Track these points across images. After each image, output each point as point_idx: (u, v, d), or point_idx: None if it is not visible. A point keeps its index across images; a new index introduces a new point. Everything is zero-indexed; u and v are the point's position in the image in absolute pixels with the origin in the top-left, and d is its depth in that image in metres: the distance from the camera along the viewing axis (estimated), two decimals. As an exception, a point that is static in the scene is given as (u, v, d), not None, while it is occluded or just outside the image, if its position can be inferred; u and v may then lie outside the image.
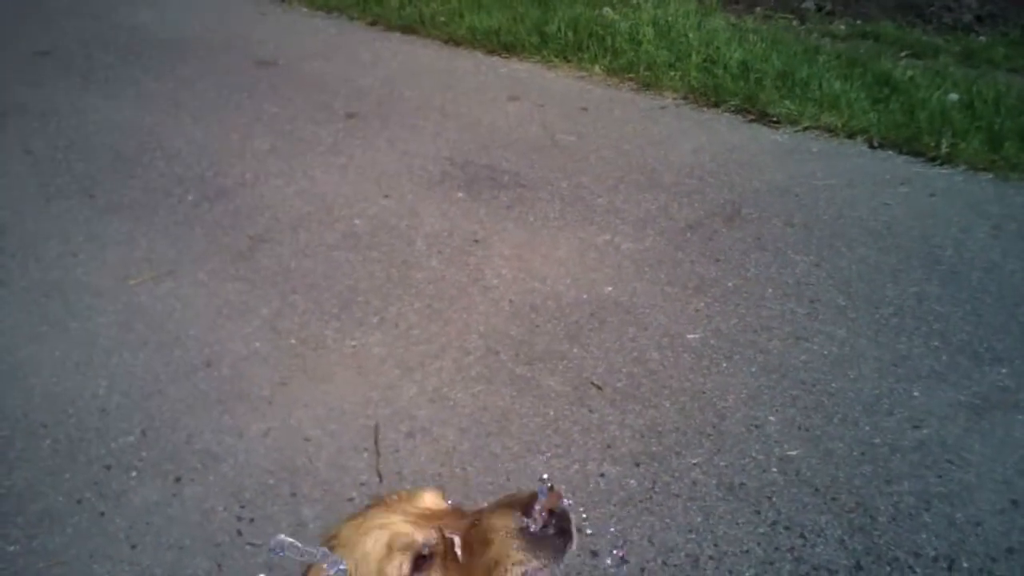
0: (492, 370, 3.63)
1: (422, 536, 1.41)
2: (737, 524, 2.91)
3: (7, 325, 4.07)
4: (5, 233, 4.82)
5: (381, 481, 3.15)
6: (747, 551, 2.82)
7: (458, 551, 1.39)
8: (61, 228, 4.87)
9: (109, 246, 4.66)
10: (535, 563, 1.33)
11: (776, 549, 2.81)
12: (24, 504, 3.19)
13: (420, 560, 1.41)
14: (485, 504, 1.49)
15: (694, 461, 3.16)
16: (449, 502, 1.56)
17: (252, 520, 3.05)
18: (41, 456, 3.38)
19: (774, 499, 2.99)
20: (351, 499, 3.09)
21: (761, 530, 2.89)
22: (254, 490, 3.16)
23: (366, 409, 3.48)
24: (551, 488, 1.36)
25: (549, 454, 3.22)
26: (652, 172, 5.09)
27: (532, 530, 1.34)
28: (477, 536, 1.37)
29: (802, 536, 2.85)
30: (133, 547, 2.99)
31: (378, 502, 1.56)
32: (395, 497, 1.55)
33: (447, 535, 1.40)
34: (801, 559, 2.78)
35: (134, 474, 3.26)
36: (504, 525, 1.35)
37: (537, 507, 1.33)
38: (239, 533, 3.01)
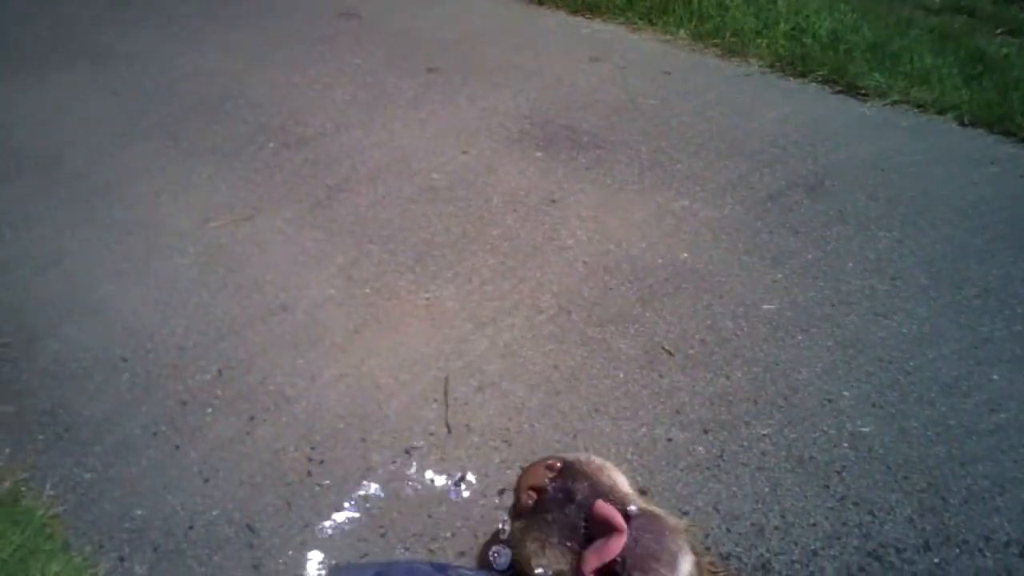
0: (564, 329, 3.63)
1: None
2: (805, 497, 2.88)
3: (91, 261, 4.16)
4: (92, 172, 4.92)
5: (449, 432, 3.18)
6: (814, 524, 2.79)
7: None
8: (145, 169, 4.95)
9: (191, 189, 4.73)
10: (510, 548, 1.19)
11: (844, 524, 2.78)
12: (101, 434, 3.27)
13: None
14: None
15: (764, 432, 3.13)
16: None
17: (322, 462, 3.10)
18: (119, 389, 3.46)
19: (844, 474, 2.96)
20: (419, 448, 3.13)
21: (829, 504, 2.86)
22: (325, 433, 3.21)
23: (437, 361, 3.51)
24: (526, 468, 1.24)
25: (617, 416, 3.21)
26: (734, 140, 5.02)
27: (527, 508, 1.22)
28: None
29: (871, 513, 2.82)
30: (206, 481, 3.06)
31: None
32: None
33: None
34: (869, 536, 2.74)
35: (209, 411, 3.33)
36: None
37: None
38: (309, 474, 3.06)
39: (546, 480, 1.22)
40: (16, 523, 2.92)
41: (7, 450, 3.24)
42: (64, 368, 3.56)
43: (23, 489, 3.08)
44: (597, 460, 1.28)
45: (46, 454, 3.21)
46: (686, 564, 1.21)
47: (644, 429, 3.15)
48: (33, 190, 4.77)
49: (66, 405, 3.39)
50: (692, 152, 4.89)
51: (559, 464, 1.23)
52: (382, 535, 2.82)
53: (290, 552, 2.80)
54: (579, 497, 1.21)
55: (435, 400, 3.33)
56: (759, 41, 6.21)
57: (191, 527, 2.90)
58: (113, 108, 5.73)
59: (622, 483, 1.26)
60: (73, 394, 3.44)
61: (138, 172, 4.91)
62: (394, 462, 3.07)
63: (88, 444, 3.24)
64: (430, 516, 2.85)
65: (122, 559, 2.82)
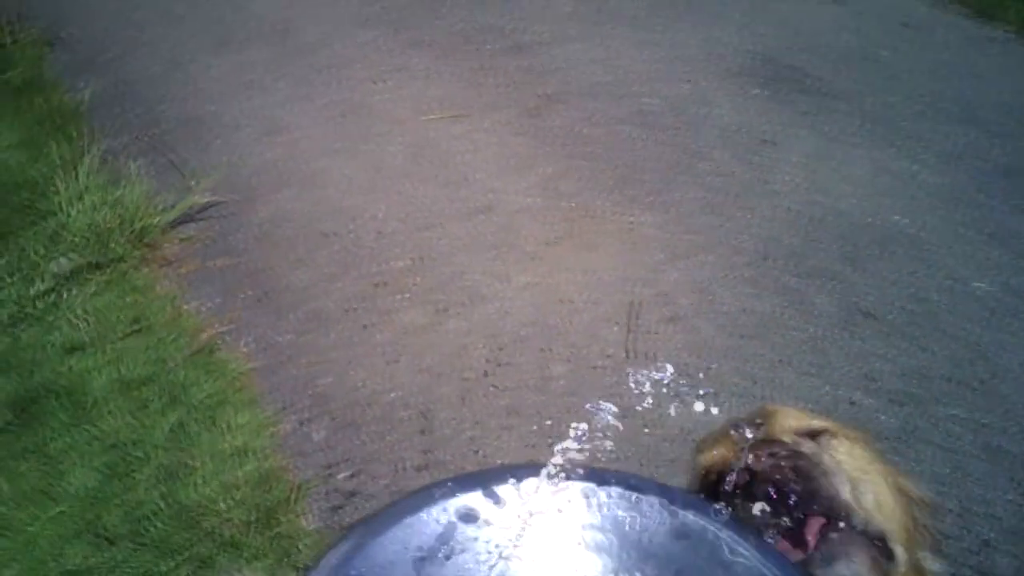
0: (761, 274, 3.55)
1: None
2: (989, 487, 2.76)
3: (308, 136, 4.32)
4: (318, 51, 5.07)
5: (629, 358, 3.18)
6: (994, 516, 2.68)
7: None
8: (367, 55, 5.07)
9: (409, 80, 4.82)
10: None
11: (1026, 522, 2.66)
12: (300, 302, 3.43)
13: None
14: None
15: (955, 412, 3.00)
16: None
17: (502, 364, 3.16)
18: (320, 262, 3.61)
19: (1036, 471, 2.82)
20: (597, 367, 3.15)
21: (1012, 498, 2.73)
22: (508, 337, 3.27)
23: (627, 285, 3.49)
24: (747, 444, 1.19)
25: (802, 371, 3.14)
26: (968, 105, 4.73)
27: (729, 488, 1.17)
28: None
29: (1058, 517, 2.68)
30: (390, 363, 3.17)
31: None
32: None
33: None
34: (1051, 539, 2.62)
35: (402, 296, 3.43)
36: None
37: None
38: (487, 374, 3.13)
39: (777, 475, 1.16)
40: (211, 372, 3.12)
41: (211, 303, 3.44)
42: (273, 233, 3.73)
43: (221, 342, 3.28)
44: (828, 459, 1.20)
45: (246, 312, 3.40)
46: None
47: (828, 388, 3.07)
48: (264, 60, 4.96)
49: (271, 269, 3.57)
50: (920, 112, 4.64)
51: (788, 454, 1.17)
52: (549, 445, 2.86)
53: (459, 446, 2.88)
54: (793, 500, 1.16)
55: (620, 324, 3.33)
56: (1009, 4, 5.78)
57: (370, 404, 3.03)
58: (344, -9, 5.87)
59: (843, 495, 1.19)
60: (278, 259, 3.60)
61: (360, 57, 5.03)
62: (570, 377, 3.11)
63: (286, 309, 3.40)
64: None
65: (302, 423, 2.98)
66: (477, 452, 2.86)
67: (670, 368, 3.15)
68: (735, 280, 3.52)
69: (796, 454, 1.19)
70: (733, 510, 1.12)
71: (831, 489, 1.17)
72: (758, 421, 1.34)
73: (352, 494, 2.74)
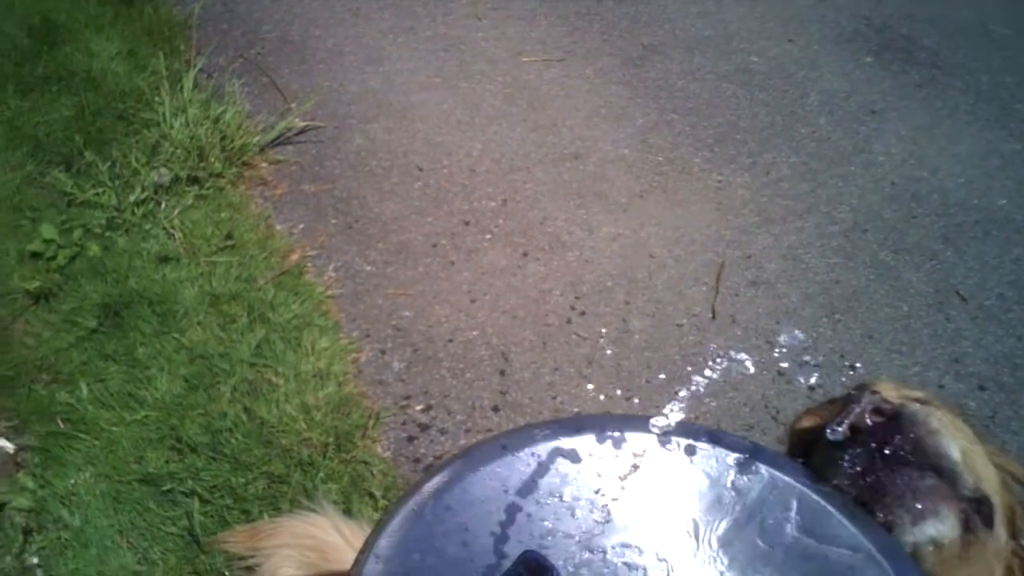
0: (855, 246, 3.47)
1: None
2: (1074, 484, 2.69)
3: (407, 69, 4.30)
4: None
5: (713, 318, 3.14)
6: (1076, 515, 2.60)
7: None
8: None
9: (511, 19, 4.77)
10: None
11: (1111, 524, 2.58)
12: (387, 233, 3.45)
13: None
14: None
15: (1045, 405, 2.92)
16: None
17: (583, 313, 3.14)
18: (411, 195, 3.61)
19: (1124, 473, 2.73)
20: (679, 325, 3.12)
21: (1099, 499, 2.65)
22: (591, 286, 3.25)
23: (716, 245, 3.44)
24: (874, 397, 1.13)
25: (890, 348, 3.07)
26: (1089, 91, 4.54)
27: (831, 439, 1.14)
28: None
29: None
30: (472, 301, 3.18)
31: None
32: None
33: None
34: None
35: (488, 237, 3.43)
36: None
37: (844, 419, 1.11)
38: (568, 321, 3.12)
39: (868, 422, 1.12)
40: (297, 294, 3.16)
41: (301, 226, 3.47)
42: (365, 163, 3.74)
43: (309, 265, 3.31)
44: (936, 421, 1.14)
45: (335, 238, 3.42)
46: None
47: (916, 368, 3.00)
48: (367, -11, 4.95)
49: (361, 198, 3.58)
50: (1038, 93, 4.47)
51: (893, 411, 1.13)
52: (627, 399, 2.86)
53: (536, 390, 2.89)
54: (891, 459, 1.11)
55: (705, 283, 3.29)
56: None
57: (451, 340, 3.04)
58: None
59: (952, 455, 1.13)
60: (369, 189, 3.62)
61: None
62: (651, 332, 3.08)
63: (374, 239, 3.42)
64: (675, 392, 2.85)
65: (383, 352, 3.00)
66: (555, 398, 2.86)
67: (754, 333, 3.14)
68: (827, 250, 3.45)
69: (902, 413, 1.14)
70: (828, 466, 1.09)
71: (940, 447, 1.12)
72: (854, 391, 1.30)
73: (426, 427, 2.77)
